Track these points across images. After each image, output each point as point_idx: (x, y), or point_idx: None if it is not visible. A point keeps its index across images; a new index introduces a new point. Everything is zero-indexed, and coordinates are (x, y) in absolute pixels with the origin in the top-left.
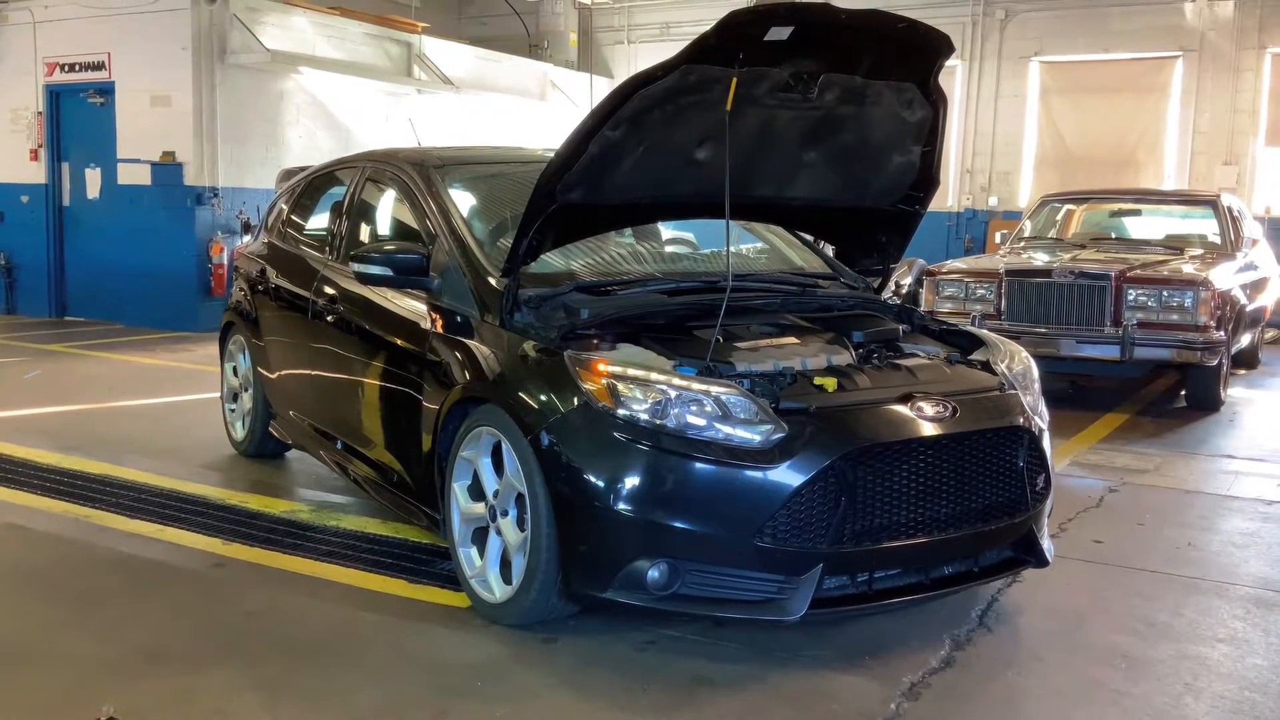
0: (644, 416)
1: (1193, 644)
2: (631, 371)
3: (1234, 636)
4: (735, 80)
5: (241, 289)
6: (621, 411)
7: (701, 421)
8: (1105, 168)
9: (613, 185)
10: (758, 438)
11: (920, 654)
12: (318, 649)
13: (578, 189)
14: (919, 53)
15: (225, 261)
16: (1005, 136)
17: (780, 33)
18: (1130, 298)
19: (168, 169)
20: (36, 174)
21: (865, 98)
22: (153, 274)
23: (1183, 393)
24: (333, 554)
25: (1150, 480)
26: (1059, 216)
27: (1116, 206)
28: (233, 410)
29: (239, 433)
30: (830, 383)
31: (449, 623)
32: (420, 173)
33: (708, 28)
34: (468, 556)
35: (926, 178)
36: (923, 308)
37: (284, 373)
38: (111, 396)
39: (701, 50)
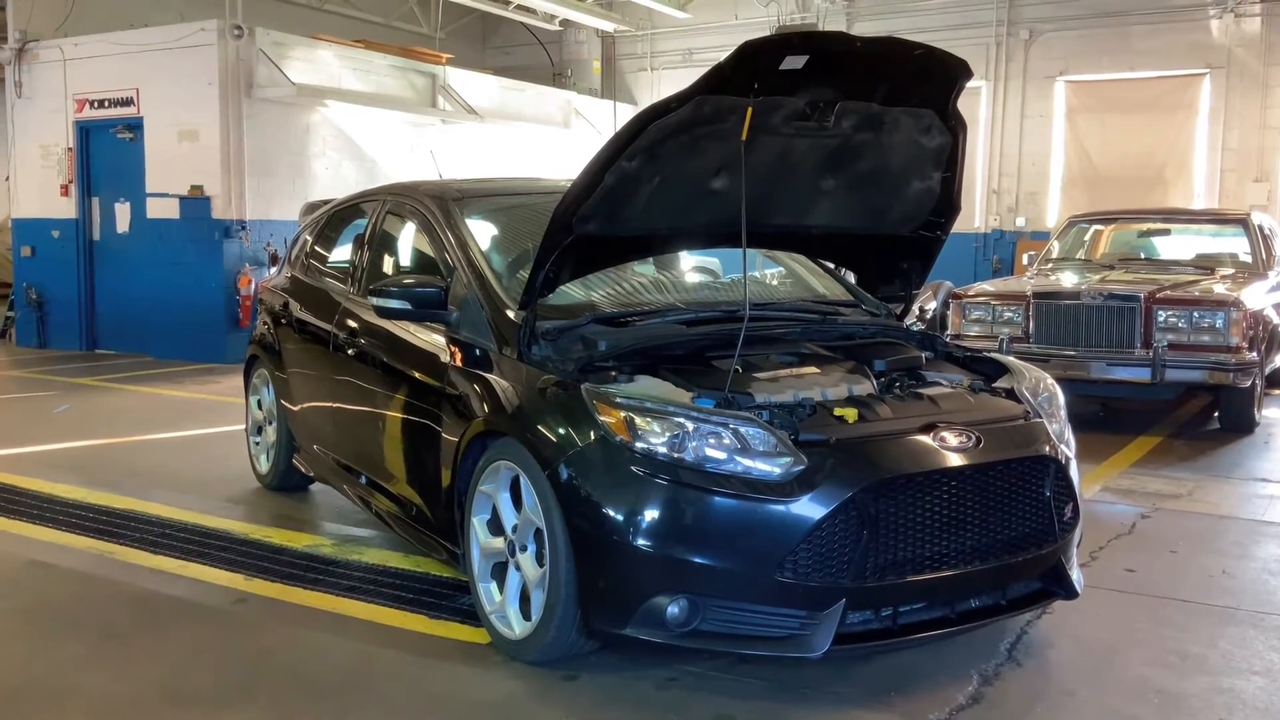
0: (662, 450)
1: (1227, 677)
2: (649, 404)
3: (1270, 669)
4: (750, 110)
5: (265, 322)
6: (639, 445)
7: (720, 454)
8: (1133, 187)
9: (629, 217)
10: (777, 470)
11: (947, 690)
12: (337, 688)
13: (593, 221)
14: (937, 79)
15: (253, 293)
16: (1032, 157)
17: (795, 61)
18: (1160, 319)
19: (195, 202)
20: (67, 209)
21: (883, 125)
22: (181, 307)
23: (1215, 414)
24: (354, 589)
25: (1183, 505)
26: (1087, 237)
27: (1145, 226)
28: (257, 443)
29: (263, 466)
30: (851, 413)
31: (469, 660)
32: (439, 205)
33: (723, 57)
34: (487, 592)
35: (947, 204)
36: (950, 331)
37: (306, 406)
38: (139, 430)
39: (716, 80)
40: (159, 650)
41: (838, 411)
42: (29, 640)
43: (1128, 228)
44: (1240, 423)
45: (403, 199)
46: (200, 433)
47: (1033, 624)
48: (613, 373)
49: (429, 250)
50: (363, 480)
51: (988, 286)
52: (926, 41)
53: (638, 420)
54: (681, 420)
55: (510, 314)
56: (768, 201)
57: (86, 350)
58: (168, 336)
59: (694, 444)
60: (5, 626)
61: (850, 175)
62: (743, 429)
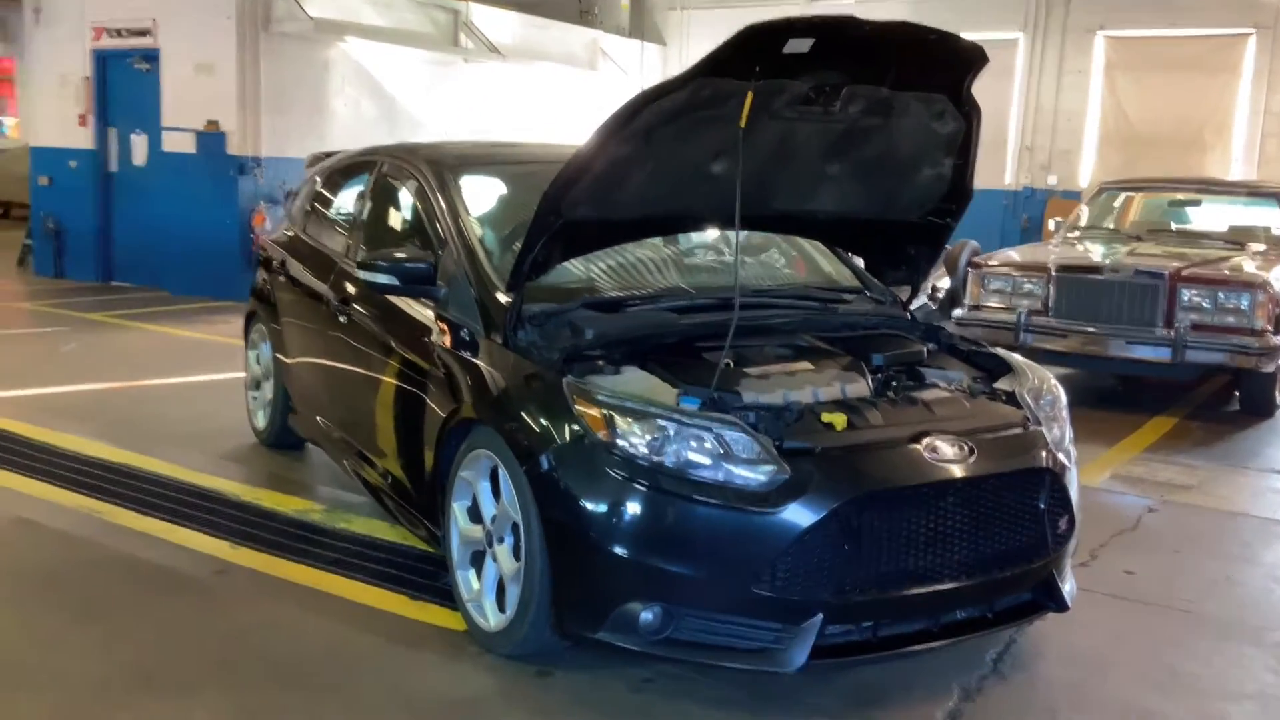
0: (641, 451)
1: (1217, 700)
2: (630, 404)
3: (1263, 691)
4: (751, 95)
5: (264, 278)
6: (620, 443)
7: (701, 459)
8: (1170, 149)
9: (623, 200)
10: (759, 479)
11: (926, 705)
12: (307, 675)
13: (585, 205)
14: (951, 64)
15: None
16: (1067, 113)
17: (800, 45)
18: (1185, 298)
19: (211, 138)
20: (84, 139)
21: (892, 110)
22: (196, 242)
23: (1236, 394)
24: (338, 562)
25: (1193, 499)
26: (1116, 204)
27: (1177, 196)
28: (255, 398)
29: (260, 422)
30: (839, 419)
31: (444, 649)
32: (435, 172)
33: (724, 40)
34: (465, 579)
35: (958, 190)
36: (968, 301)
37: (301, 370)
38: (145, 373)
39: (716, 63)
40: (134, 626)
41: (825, 417)
42: (5, 609)
43: (1158, 196)
44: (1260, 406)
45: (400, 163)
46: (204, 379)
47: (1023, 631)
48: (600, 362)
49: (422, 220)
50: (351, 448)
51: (1012, 254)
52: None
53: (618, 419)
54: (663, 422)
55: (499, 295)
56: (769, 186)
57: (102, 282)
58: (183, 272)
59: (675, 447)
60: None
61: (857, 161)
62: (726, 434)
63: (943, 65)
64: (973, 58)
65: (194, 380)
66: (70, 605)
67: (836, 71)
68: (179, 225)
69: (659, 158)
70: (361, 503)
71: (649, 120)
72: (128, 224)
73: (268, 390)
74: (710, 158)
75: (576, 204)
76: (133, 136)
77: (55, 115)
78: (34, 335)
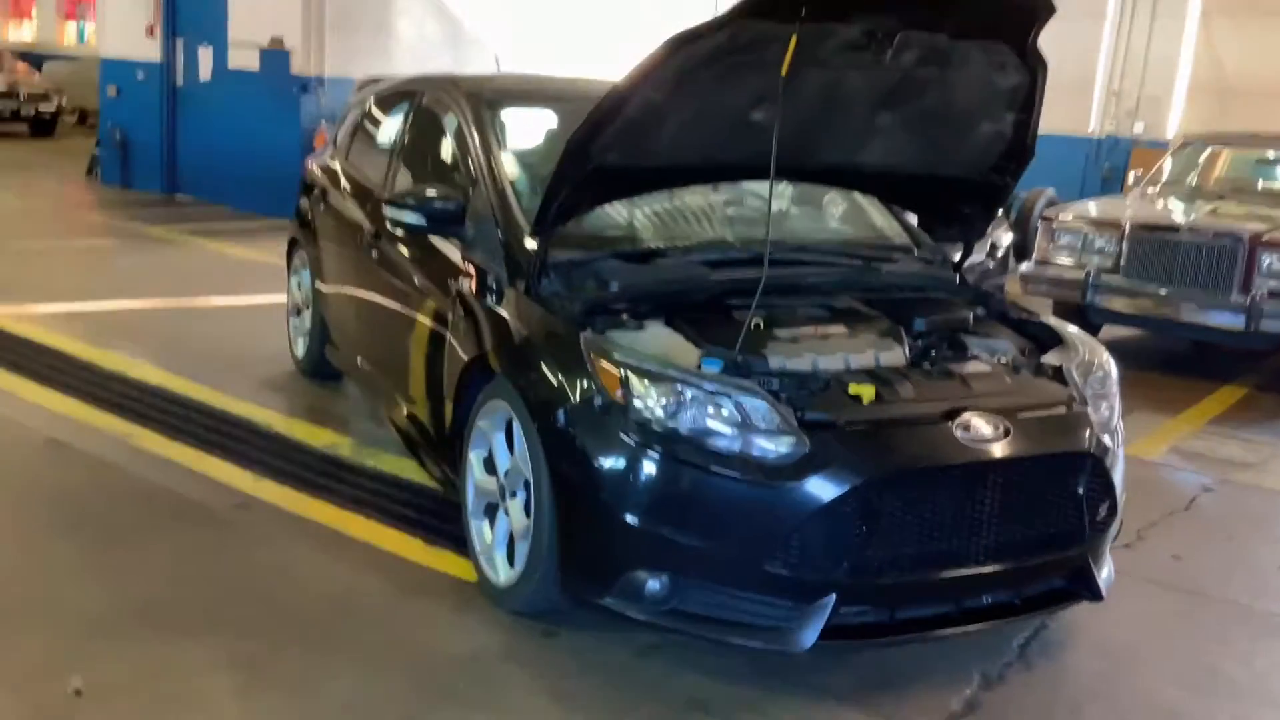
0: (656, 415)
1: (1254, 704)
2: (648, 365)
3: None
4: (795, 39)
5: (306, 206)
6: (635, 405)
7: (717, 427)
8: (1268, 100)
9: (655, 148)
10: (776, 451)
11: (943, 692)
12: (310, 623)
13: (615, 151)
14: (1016, 13)
15: None
16: (1158, 59)
17: None
18: (1264, 264)
19: (275, 55)
20: (152, 51)
21: (950, 59)
22: (258, 160)
23: None
24: (359, 500)
25: (1254, 478)
26: (1201, 159)
27: (1266, 153)
28: (295, 326)
29: (300, 350)
30: (867, 392)
31: (453, 601)
32: (472, 106)
33: None
34: (478, 530)
35: (1019, 148)
36: (1035, 257)
37: (336, 300)
38: (197, 292)
39: (759, 5)
40: (148, 560)
41: (853, 389)
42: (22, 538)
43: (1246, 151)
44: None
45: (440, 94)
46: (256, 300)
47: (1055, 618)
48: (623, 316)
49: (455, 155)
50: (379, 384)
51: (1090, 208)
52: None
53: (634, 380)
54: (680, 386)
55: (527, 241)
56: (813, 137)
57: (166, 194)
58: (245, 188)
59: (691, 413)
60: (4, 519)
61: (910, 113)
62: (745, 401)
63: (1007, 14)
64: (1039, 7)
65: (244, 302)
66: (87, 534)
67: (890, 16)
68: (241, 142)
69: (695, 104)
70: (391, 439)
71: (684, 64)
72: (192, 138)
73: (307, 318)
74: (750, 105)
75: (606, 149)
76: (199, 49)
77: (125, 25)
78: (94, 247)
